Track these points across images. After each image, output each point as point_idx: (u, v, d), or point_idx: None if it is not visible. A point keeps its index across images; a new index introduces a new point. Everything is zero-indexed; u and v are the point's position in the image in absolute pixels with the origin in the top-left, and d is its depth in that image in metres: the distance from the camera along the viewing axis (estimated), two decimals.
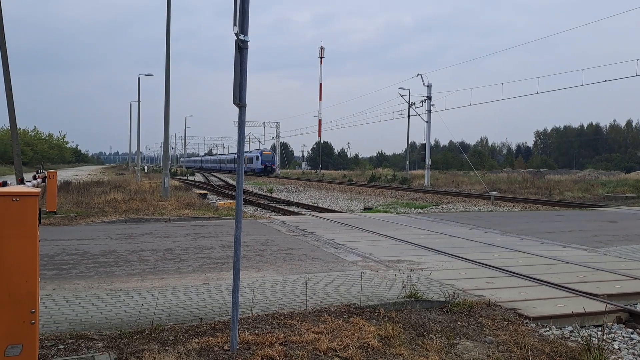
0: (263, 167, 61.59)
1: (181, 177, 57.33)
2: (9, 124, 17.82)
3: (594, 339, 4.85)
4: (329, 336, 4.71)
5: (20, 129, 64.40)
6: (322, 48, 79.15)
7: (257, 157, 62.90)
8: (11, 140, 18.19)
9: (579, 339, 4.97)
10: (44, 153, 77.30)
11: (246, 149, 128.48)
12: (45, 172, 16.72)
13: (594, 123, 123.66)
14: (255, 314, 5.32)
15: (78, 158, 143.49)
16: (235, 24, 4.08)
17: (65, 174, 48.65)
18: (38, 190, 3.52)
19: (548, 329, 5.36)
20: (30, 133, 78.08)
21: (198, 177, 63.33)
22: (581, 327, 5.48)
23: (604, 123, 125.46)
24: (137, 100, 45.29)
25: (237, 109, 4.29)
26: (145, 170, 65.00)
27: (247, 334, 4.71)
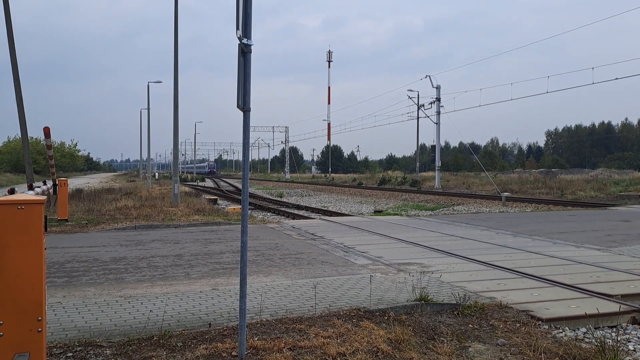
0: (209, 170, 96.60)
1: (191, 183, 57.61)
2: (20, 134, 18.01)
3: (608, 340, 4.76)
4: (338, 341, 4.66)
5: (32, 138, 65.03)
6: (329, 52, 79.27)
7: (206, 165, 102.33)
8: (23, 149, 18.37)
9: (593, 340, 4.89)
10: (56, 161, 77.91)
11: (255, 154, 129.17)
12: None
13: (606, 122, 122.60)
14: (264, 319, 5.29)
15: (90, 166, 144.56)
16: (238, 28, 4.06)
17: (77, 182, 49.02)
18: (43, 197, 3.52)
19: (561, 331, 5.28)
20: (42, 142, 78.82)
21: (208, 183, 63.58)
22: (595, 329, 5.40)
23: (616, 121, 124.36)
24: (147, 107, 45.63)
25: (242, 113, 4.27)
26: (156, 177, 65.39)
27: (256, 339, 4.68)
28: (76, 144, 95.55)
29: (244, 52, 4.16)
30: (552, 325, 5.38)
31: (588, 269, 7.95)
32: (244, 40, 4.10)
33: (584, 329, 5.39)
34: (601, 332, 5.29)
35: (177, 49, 21.56)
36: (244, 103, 4.18)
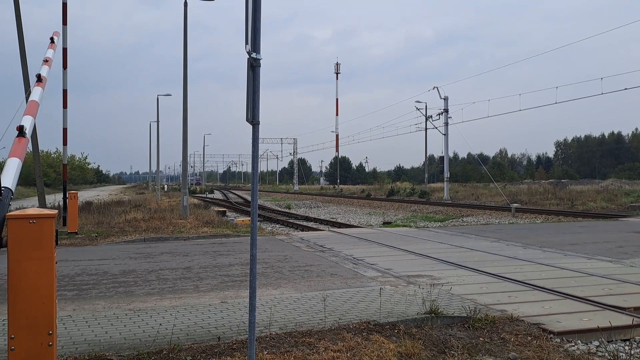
0: (196, 182, 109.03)
1: (200, 195, 57.78)
2: (31, 147, 18.22)
3: (621, 354, 4.71)
4: (348, 354, 4.64)
5: (42, 151, 65.62)
6: (337, 64, 79.53)
7: (195, 179, 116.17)
8: (33, 163, 18.55)
9: (606, 354, 4.83)
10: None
11: (263, 166, 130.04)
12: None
13: (616, 132, 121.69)
14: (273, 333, 5.28)
15: (99, 178, 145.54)
16: (247, 43, 4.09)
17: (86, 195, 49.32)
18: (55, 212, 3.55)
19: (573, 344, 5.22)
20: (52, 155, 79.52)
21: (217, 195, 63.76)
22: (608, 342, 5.33)
23: (626, 131, 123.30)
24: (156, 120, 46.00)
25: (251, 126, 4.29)
26: (165, 189, 65.69)
27: (265, 353, 4.66)
28: (86, 157, 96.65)
29: (253, 66, 4.18)
30: (564, 338, 5.32)
31: (600, 281, 7.87)
32: (253, 55, 4.13)
33: (596, 343, 5.32)
34: (614, 345, 5.22)
35: (187, 65, 21.76)
36: (253, 116, 4.20)
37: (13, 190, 3.88)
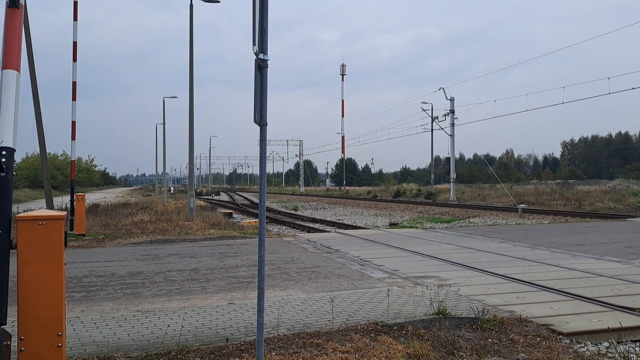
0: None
1: (206, 197, 57.93)
2: (39, 150, 18.33)
3: (632, 355, 4.67)
4: (356, 355, 4.62)
5: (50, 153, 65.95)
6: (343, 65, 79.61)
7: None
8: (41, 165, 18.66)
9: (616, 355, 4.79)
10: None
11: (269, 167, 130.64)
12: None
13: (623, 132, 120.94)
14: (281, 334, 5.27)
15: (106, 181, 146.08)
16: (254, 44, 4.09)
17: (93, 197, 49.52)
18: (63, 213, 3.56)
19: (583, 345, 5.19)
20: (59, 157, 79.91)
21: (223, 197, 63.89)
22: (618, 343, 5.29)
23: (634, 131, 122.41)
24: (162, 122, 46.11)
25: (259, 127, 4.29)
26: (172, 191, 65.86)
27: (273, 354, 4.66)
28: (93, 159, 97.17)
29: (260, 67, 4.19)
30: (573, 339, 5.29)
31: (609, 281, 7.82)
32: (260, 56, 4.13)
33: (606, 344, 5.29)
34: (624, 346, 5.19)
35: (192, 67, 21.83)
36: (260, 118, 4.20)
37: (16, 148, 3.09)
